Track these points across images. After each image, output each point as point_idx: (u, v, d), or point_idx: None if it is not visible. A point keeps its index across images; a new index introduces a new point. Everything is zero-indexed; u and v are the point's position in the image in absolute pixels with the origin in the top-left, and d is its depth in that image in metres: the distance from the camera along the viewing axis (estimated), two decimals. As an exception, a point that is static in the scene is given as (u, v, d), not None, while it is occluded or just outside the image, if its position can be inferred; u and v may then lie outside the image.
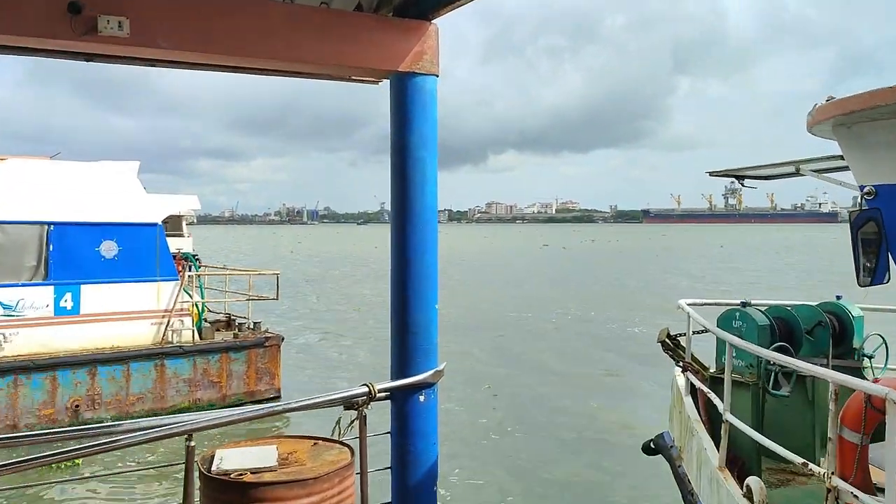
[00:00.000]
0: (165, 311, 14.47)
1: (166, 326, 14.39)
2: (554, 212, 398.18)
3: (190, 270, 15.32)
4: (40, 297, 13.24)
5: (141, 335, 14.25)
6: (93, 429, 3.91)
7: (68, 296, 13.52)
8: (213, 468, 3.65)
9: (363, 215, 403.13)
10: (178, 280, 14.67)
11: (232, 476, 3.56)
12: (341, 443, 4.21)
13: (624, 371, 19.19)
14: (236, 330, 15.71)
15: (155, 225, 14.47)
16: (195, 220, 23.84)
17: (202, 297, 15.52)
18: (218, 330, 15.70)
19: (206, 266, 16.85)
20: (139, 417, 13.98)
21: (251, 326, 15.77)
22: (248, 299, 16.05)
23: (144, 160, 15.93)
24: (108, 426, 3.94)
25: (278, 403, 4.36)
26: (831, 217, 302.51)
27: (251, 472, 3.60)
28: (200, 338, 14.91)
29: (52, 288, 13.37)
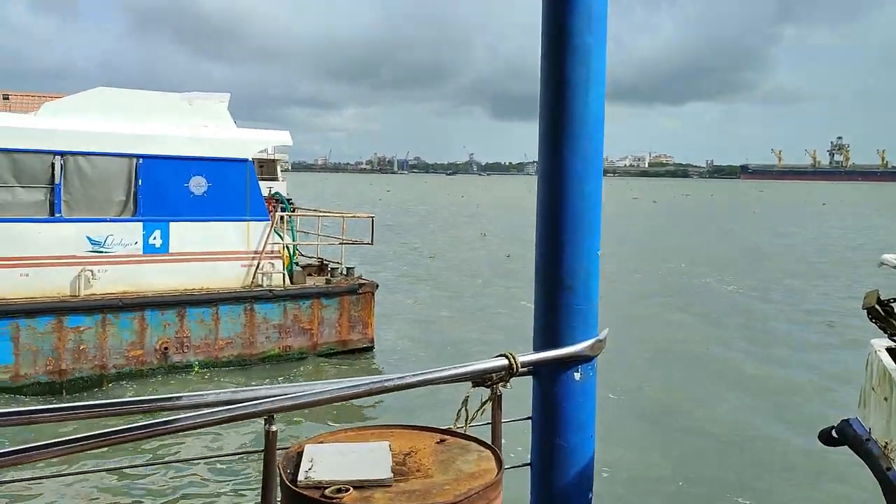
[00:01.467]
0: (255, 252, 13.73)
1: (256, 269, 13.68)
2: (647, 165, 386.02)
3: (282, 211, 14.51)
4: (129, 234, 12.68)
5: (230, 277, 13.58)
6: (146, 402, 2.78)
7: (157, 233, 12.92)
8: (301, 477, 2.47)
9: (452, 166, 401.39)
10: (268, 220, 13.88)
11: (327, 493, 2.38)
12: (479, 441, 3.00)
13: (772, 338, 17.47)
14: (328, 275, 14.87)
15: (245, 161, 13.66)
16: (289, 167, 23.27)
17: (293, 240, 14.72)
18: (309, 275, 14.92)
19: (297, 208, 16.00)
20: (227, 363, 13.47)
21: (344, 272, 14.91)
22: (342, 243, 15.15)
23: (238, 108, 15.15)
24: (165, 399, 2.80)
25: (388, 377, 3.06)
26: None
27: (355, 489, 2.42)
28: (291, 282, 14.15)
29: (140, 224, 12.78)
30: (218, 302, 13.18)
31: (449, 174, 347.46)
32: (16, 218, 11.81)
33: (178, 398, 2.82)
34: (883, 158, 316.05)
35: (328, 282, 14.53)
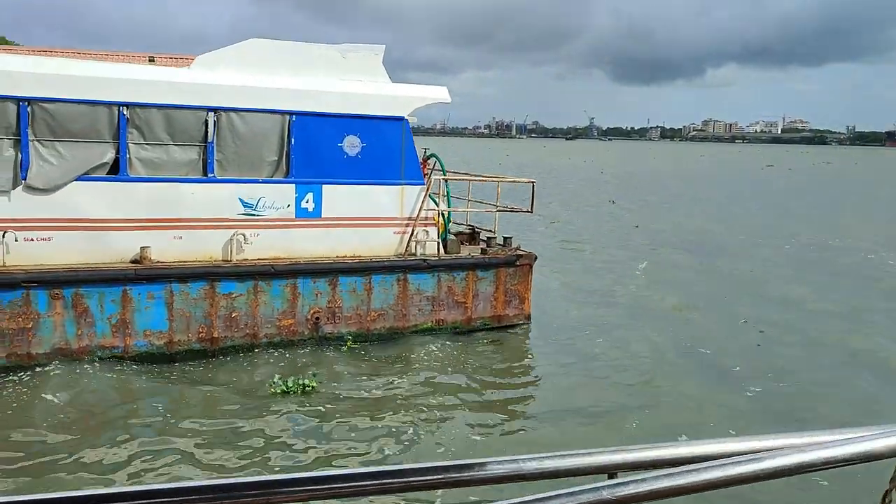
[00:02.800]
0: (409, 218, 12.75)
1: (410, 237, 12.70)
2: (780, 131, 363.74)
3: (439, 173, 13.45)
4: (281, 196, 11.94)
5: (383, 245, 12.68)
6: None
7: (309, 196, 12.13)
8: None
9: (571, 130, 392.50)
10: (423, 185, 12.85)
11: None
12: None
13: None
14: (484, 245, 13.72)
15: (401, 119, 12.63)
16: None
17: (449, 206, 13.65)
18: (462, 244, 13.82)
19: (451, 171, 14.84)
20: (379, 336, 12.61)
21: (500, 241, 13.72)
22: (498, 210, 13.94)
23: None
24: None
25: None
26: None
27: None
28: (445, 251, 13.11)
29: (293, 186, 12.01)
30: (371, 271, 12.31)
31: (568, 138, 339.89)
32: (170, 178, 11.26)
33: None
34: None
35: (484, 252, 13.39)
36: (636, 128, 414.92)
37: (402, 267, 12.52)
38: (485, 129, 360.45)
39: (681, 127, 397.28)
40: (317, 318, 12.05)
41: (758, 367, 12.00)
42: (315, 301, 12.02)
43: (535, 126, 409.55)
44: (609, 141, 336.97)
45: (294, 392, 10.25)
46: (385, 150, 12.54)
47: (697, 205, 40.73)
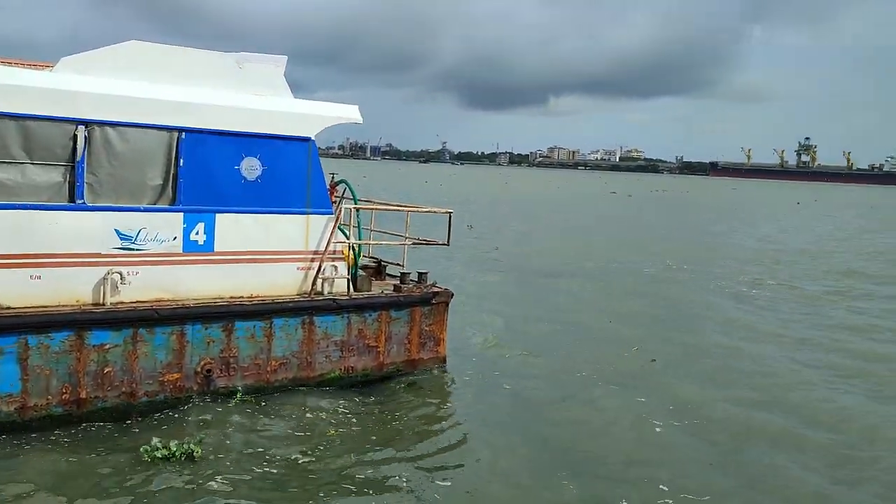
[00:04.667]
0: (316, 252, 11.21)
1: (317, 273, 11.15)
2: (618, 159, 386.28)
3: (350, 202, 12.02)
4: (167, 227, 10.05)
5: (286, 283, 11.05)
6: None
7: (200, 227, 10.32)
8: None
9: (425, 154, 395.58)
10: (332, 214, 11.36)
11: None
12: None
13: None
14: (397, 281, 12.38)
15: (308, 140, 11.11)
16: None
17: (360, 238, 12.21)
18: (372, 279, 12.42)
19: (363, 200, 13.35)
20: (280, 388, 10.93)
21: (415, 277, 12.44)
22: (415, 243, 12.67)
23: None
24: None
25: None
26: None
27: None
28: (355, 289, 11.68)
29: (181, 215, 10.16)
30: (272, 314, 10.65)
31: (422, 162, 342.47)
32: (26, 204, 9.12)
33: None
34: (849, 160, 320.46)
35: (398, 289, 12.05)
36: (486, 152, 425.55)
37: (308, 308, 10.94)
38: (339, 149, 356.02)
39: (528, 153, 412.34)
40: (208, 371, 10.23)
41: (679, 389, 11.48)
42: (206, 351, 10.20)
43: (389, 148, 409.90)
44: (461, 165, 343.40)
45: (177, 458, 8.49)
46: (289, 174, 10.97)
47: (558, 230, 41.51)
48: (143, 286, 9.90)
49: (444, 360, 12.52)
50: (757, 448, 10.23)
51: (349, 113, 11.71)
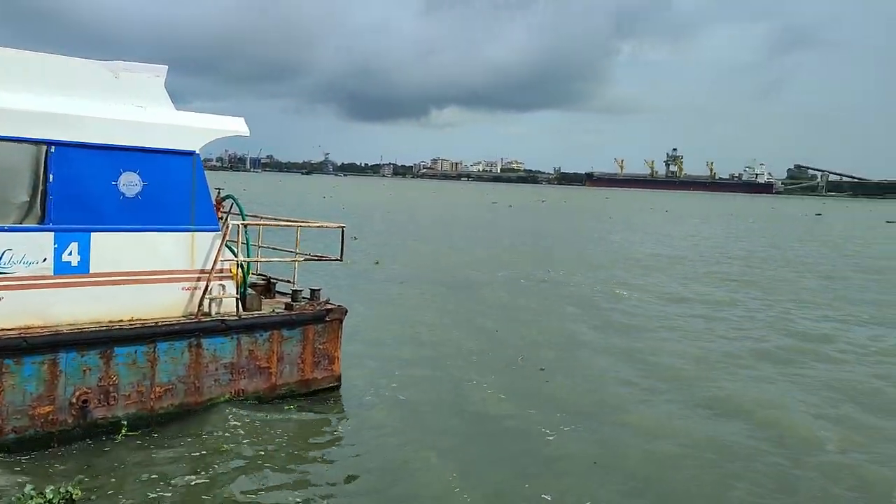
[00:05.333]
0: (202, 271, 10.67)
1: (204, 293, 10.61)
2: (499, 171, 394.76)
3: (237, 217, 11.52)
4: (36, 248, 9.27)
5: (170, 304, 10.44)
6: None
7: (74, 247, 9.59)
8: None
9: (307, 165, 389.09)
10: (219, 231, 10.86)
11: None
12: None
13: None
14: (288, 298, 11.96)
15: (192, 154, 10.58)
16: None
17: (249, 255, 11.72)
18: (262, 297, 11.96)
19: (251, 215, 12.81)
20: (167, 414, 10.32)
21: (307, 295, 12.07)
22: (307, 259, 12.30)
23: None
24: None
25: None
26: (766, 187, 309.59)
27: None
28: (245, 308, 11.20)
29: (51, 235, 9.40)
30: (156, 337, 10.03)
31: (304, 173, 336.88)
32: None
33: None
34: (711, 170, 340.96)
35: (289, 307, 11.65)
36: (370, 164, 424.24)
37: (194, 330, 10.39)
38: (217, 161, 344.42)
39: (412, 164, 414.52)
40: (84, 402, 9.50)
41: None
42: (82, 380, 9.47)
43: (269, 160, 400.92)
44: (344, 176, 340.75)
45: (54, 505, 7.81)
46: (172, 189, 10.39)
47: (442, 240, 41.85)
48: (10, 312, 9.08)
49: (339, 379, 12.22)
50: (637, 446, 10.59)
51: (235, 125, 11.26)
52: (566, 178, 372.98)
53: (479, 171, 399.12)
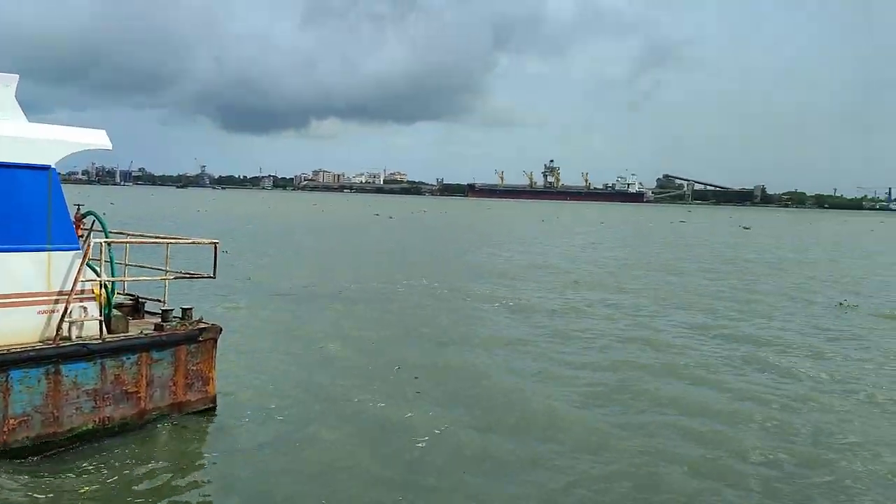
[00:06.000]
0: (61, 293, 10.01)
1: (63, 316, 9.95)
2: (382, 182, 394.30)
3: (97, 235, 10.88)
4: None
5: (24, 329, 9.74)
6: None
7: (-90, 271, 8.78)
8: None
9: (182, 178, 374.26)
10: (79, 249, 10.23)
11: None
12: None
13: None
14: (160, 319, 11.39)
15: (47, 168, 9.93)
16: None
17: (113, 274, 11.09)
18: (129, 318, 11.34)
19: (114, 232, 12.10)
20: (23, 448, 9.57)
21: (179, 314, 11.54)
22: (178, 277, 11.77)
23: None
24: None
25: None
26: (638, 196, 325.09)
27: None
28: (110, 331, 10.59)
29: None
30: (8, 365, 9.31)
31: (179, 187, 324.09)
32: None
33: None
34: (587, 180, 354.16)
35: (159, 328, 11.11)
36: (249, 176, 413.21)
37: (52, 356, 9.72)
38: (83, 175, 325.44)
39: (293, 176, 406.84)
40: (-75, 440, 8.69)
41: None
42: (-78, 415, 8.67)
43: (141, 173, 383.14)
44: (222, 189, 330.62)
45: None
46: (25, 206, 9.73)
47: (321, 253, 41.42)
48: None
49: (214, 401, 11.76)
50: (510, 446, 10.84)
51: (96, 138, 10.67)
52: (449, 189, 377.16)
53: (361, 182, 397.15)
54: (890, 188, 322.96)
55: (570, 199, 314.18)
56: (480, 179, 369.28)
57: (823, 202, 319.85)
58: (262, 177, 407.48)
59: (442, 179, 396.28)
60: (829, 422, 12.75)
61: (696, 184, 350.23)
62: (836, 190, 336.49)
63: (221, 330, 11.86)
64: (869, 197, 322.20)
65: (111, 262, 11.07)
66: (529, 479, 10.01)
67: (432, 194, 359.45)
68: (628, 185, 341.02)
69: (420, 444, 10.96)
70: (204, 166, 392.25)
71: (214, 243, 12.00)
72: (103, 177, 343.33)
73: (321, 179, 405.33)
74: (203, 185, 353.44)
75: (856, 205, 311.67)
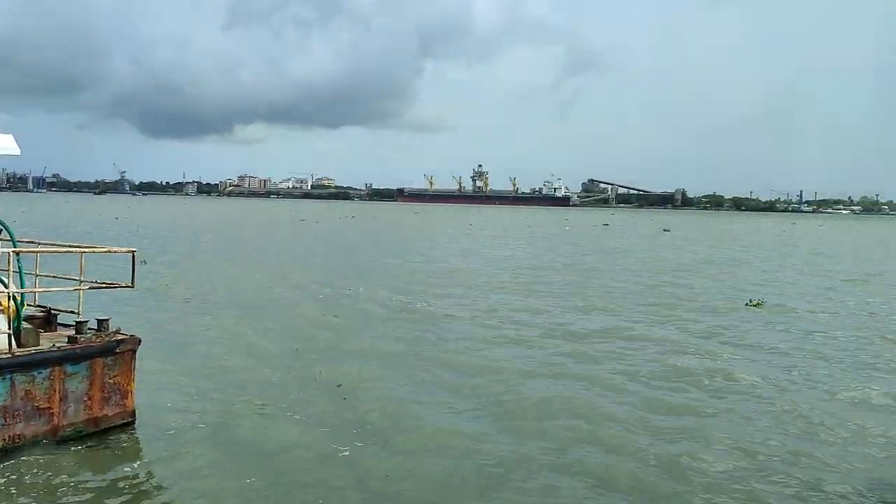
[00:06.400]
0: (-37, 306, 9.53)
1: (-33, 330, 9.48)
2: (310, 187, 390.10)
3: (4, 244, 10.39)
4: None
5: (-76, 345, 9.23)
6: None
7: None
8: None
9: (100, 184, 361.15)
10: (-17, 260, 9.77)
11: None
12: None
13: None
14: (74, 331, 10.95)
15: (-52, 175, 9.44)
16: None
17: (22, 286, 10.61)
18: (40, 331, 10.88)
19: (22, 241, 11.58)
20: (-78, 473, 9.08)
21: (95, 326, 11.13)
22: (93, 287, 11.33)
23: None
24: None
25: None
26: (564, 200, 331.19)
27: None
28: (19, 345, 10.13)
29: None
30: None
31: (97, 193, 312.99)
32: None
33: None
34: (515, 185, 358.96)
35: (73, 340, 10.69)
36: (172, 182, 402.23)
37: (-45, 373, 9.25)
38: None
39: (217, 182, 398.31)
40: None
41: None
42: None
43: (56, 179, 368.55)
44: (143, 196, 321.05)
45: None
46: (-77, 215, 9.23)
47: (242, 260, 40.71)
48: None
49: (133, 415, 11.39)
50: (429, 458, 10.86)
51: (3, 143, 10.20)
52: (378, 194, 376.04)
53: (289, 188, 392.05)
54: (801, 191, 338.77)
55: (498, 204, 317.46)
56: (410, 184, 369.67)
57: (740, 204, 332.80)
58: (186, 183, 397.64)
59: (371, 184, 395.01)
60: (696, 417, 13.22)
61: (619, 187, 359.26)
62: (752, 193, 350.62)
63: (140, 341, 11.50)
64: (782, 199, 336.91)
65: (20, 272, 10.59)
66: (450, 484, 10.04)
67: (361, 199, 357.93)
68: (555, 189, 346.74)
69: (344, 454, 10.85)
70: (124, 172, 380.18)
71: (132, 252, 11.63)
72: (14, 184, 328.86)
73: (247, 185, 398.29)
74: (123, 192, 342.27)
75: (770, 207, 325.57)
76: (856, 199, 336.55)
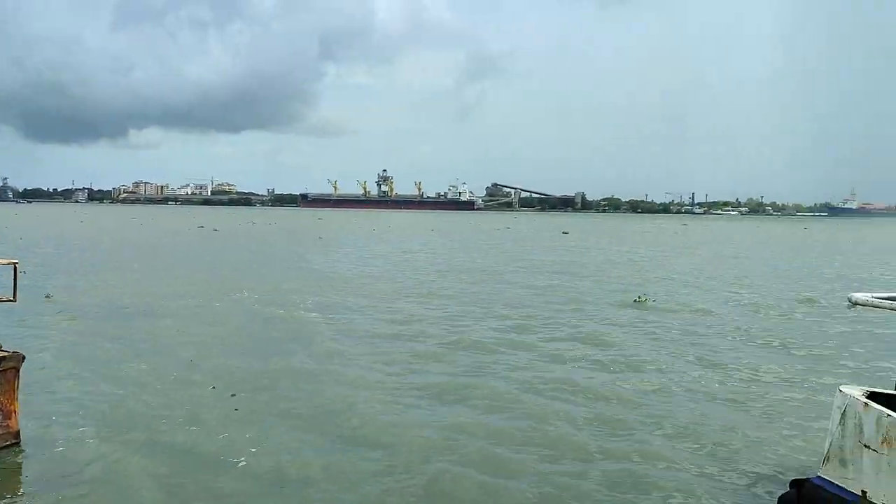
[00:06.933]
0: None
1: None
2: (210, 193, 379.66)
3: None
4: None
5: None
6: None
7: None
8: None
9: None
10: None
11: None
12: None
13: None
14: (-52, 351, 10.51)
15: None
16: None
17: None
18: (-89, 352, 10.38)
19: None
20: None
21: (-29, 344, 10.71)
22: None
23: None
24: None
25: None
26: (469, 204, 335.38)
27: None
28: None
29: None
30: None
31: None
32: None
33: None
34: (420, 189, 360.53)
35: (-51, 360, 10.27)
36: (60, 189, 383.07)
37: None
38: None
39: (111, 188, 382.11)
40: None
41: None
42: None
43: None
44: (28, 203, 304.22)
45: None
46: None
47: (132, 269, 39.50)
48: None
49: (17, 436, 11.00)
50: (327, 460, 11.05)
51: None
52: (281, 199, 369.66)
53: (187, 194, 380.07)
54: (693, 193, 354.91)
55: (404, 208, 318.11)
56: (314, 189, 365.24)
57: (637, 207, 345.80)
58: (76, 189, 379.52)
59: (273, 190, 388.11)
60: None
61: (522, 191, 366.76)
62: (647, 195, 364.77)
63: (24, 358, 11.11)
64: (675, 202, 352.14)
65: None
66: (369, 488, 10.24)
67: (263, 205, 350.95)
68: (460, 193, 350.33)
69: (241, 464, 10.88)
70: (6, 178, 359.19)
71: (13, 263, 11.25)
72: None
73: (143, 191, 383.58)
74: (5, 199, 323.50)
75: (664, 209, 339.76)
76: (743, 200, 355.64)
